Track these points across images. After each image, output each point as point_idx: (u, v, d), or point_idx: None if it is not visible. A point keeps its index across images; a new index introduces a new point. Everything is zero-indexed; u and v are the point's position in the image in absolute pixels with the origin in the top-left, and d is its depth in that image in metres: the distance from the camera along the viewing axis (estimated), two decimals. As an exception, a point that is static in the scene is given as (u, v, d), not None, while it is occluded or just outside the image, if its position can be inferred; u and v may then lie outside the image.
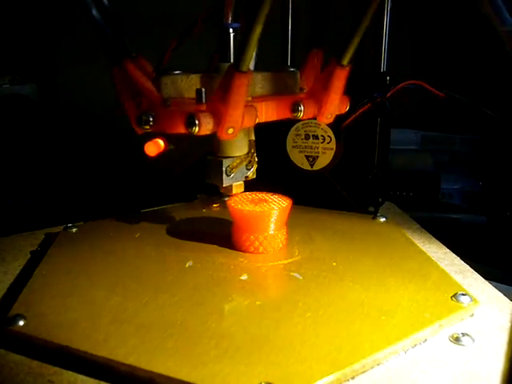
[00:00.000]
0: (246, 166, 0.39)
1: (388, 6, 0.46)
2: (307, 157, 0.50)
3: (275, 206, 0.38)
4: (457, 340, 0.28)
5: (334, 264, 0.37)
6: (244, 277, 0.35)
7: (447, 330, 0.29)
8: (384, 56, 0.48)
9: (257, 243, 0.39)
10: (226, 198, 0.42)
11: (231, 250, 0.39)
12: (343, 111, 0.40)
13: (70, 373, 0.26)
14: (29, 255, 0.40)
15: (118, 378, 0.25)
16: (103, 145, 0.77)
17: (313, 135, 0.50)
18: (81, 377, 0.25)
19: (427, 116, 0.74)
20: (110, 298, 0.31)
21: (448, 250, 0.42)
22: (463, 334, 0.28)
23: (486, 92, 0.63)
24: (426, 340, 0.28)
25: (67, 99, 0.79)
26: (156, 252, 0.39)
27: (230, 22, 0.37)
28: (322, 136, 0.49)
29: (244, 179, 0.40)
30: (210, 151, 0.39)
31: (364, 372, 0.25)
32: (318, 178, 0.50)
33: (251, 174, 0.40)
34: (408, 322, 0.29)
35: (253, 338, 0.27)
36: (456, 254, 0.41)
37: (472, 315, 0.31)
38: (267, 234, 0.38)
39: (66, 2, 0.75)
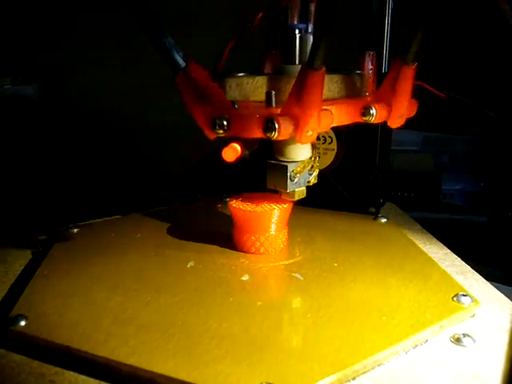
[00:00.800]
0: (308, 170, 0.38)
1: (389, 6, 0.46)
2: (308, 157, 0.50)
3: (276, 207, 0.38)
4: (458, 341, 0.28)
5: (335, 264, 0.37)
6: (245, 277, 0.35)
7: (448, 331, 0.29)
8: (385, 57, 0.48)
9: (258, 244, 0.39)
10: (227, 199, 0.42)
11: (232, 251, 0.39)
12: (412, 114, 0.38)
13: (71, 373, 0.26)
14: (30, 255, 0.40)
15: (119, 378, 0.25)
16: (105, 145, 0.77)
17: (314, 136, 0.50)
18: (82, 377, 0.25)
19: (428, 117, 0.74)
20: (111, 299, 0.31)
21: (449, 251, 0.42)
22: (464, 335, 0.28)
23: (487, 92, 0.63)
24: (426, 341, 0.28)
25: (69, 100, 0.79)
26: (157, 252, 0.39)
27: (295, 22, 0.36)
28: (323, 137, 0.49)
29: (306, 184, 0.38)
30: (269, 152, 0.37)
31: (365, 372, 0.25)
32: (319, 178, 0.50)
33: (313, 178, 0.38)
34: (409, 322, 0.29)
35: (254, 339, 0.27)
36: (457, 255, 0.41)
37: (473, 316, 0.31)
38: (268, 234, 0.39)
39: (67, 2, 0.76)
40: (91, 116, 0.78)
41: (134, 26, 0.31)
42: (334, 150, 0.49)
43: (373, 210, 0.49)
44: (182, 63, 0.32)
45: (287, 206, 0.39)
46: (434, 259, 0.38)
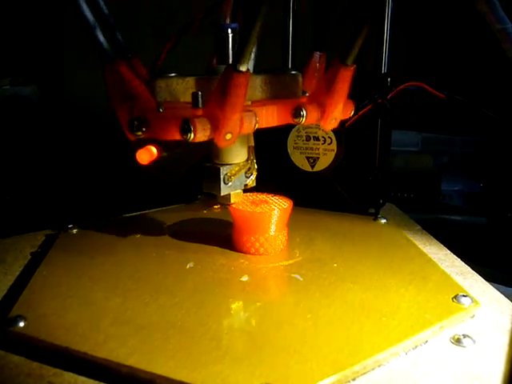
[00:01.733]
0: (245, 173, 0.37)
1: (389, 8, 0.46)
2: (308, 158, 0.50)
3: (276, 208, 0.38)
4: (458, 341, 0.28)
5: (335, 265, 0.37)
6: (245, 278, 0.35)
7: (448, 332, 0.29)
8: (385, 57, 0.48)
9: (257, 244, 0.39)
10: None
11: (232, 252, 0.39)
12: (347, 116, 0.38)
13: (70, 374, 0.25)
14: (29, 256, 0.40)
15: (118, 379, 0.25)
16: (104, 146, 0.77)
17: (314, 136, 0.50)
18: (81, 378, 0.25)
19: (428, 117, 0.74)
20: (110, 299, 0.31)
21: (449, 252, 0.42)
22: (464, 336, 0.28)
23: (486, 93, 0.63)
24: (426, 341, 0.28)
25: (68, 100, 0.79)
26: (156, 253, 0.39)
27: (228, 22, 0.35)
28: (322, 137, 0.49)
29: (243, 187, 0.38)
30: (208, 156, 0.37)
31: (365, 373, 0.25)
32: (318, 179, 0.50)
33: (251, 182, 0.38)
34: (409, 323, 0.29)
35: (253, 340, 0.27)
36: (457, 256, 0.41)
37: (473, 316, 0.31)
38: (268, 235, 0.38)
39: (68, 2, 0.76)
40: (91, 116, 0.78)
41: (133, 25, 0.31)
42: (333, 150, 0.49)
43: (372, 210, 0.49)
44: (110, 57, 0.30)
45: (287, 207, 0.39)
46: (434, 260, 0.38)
